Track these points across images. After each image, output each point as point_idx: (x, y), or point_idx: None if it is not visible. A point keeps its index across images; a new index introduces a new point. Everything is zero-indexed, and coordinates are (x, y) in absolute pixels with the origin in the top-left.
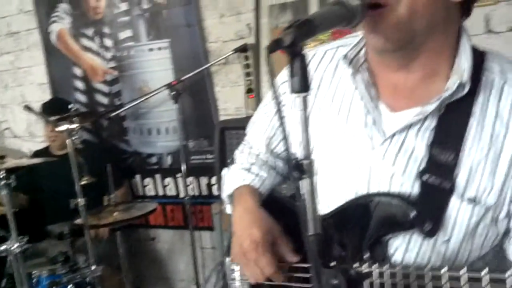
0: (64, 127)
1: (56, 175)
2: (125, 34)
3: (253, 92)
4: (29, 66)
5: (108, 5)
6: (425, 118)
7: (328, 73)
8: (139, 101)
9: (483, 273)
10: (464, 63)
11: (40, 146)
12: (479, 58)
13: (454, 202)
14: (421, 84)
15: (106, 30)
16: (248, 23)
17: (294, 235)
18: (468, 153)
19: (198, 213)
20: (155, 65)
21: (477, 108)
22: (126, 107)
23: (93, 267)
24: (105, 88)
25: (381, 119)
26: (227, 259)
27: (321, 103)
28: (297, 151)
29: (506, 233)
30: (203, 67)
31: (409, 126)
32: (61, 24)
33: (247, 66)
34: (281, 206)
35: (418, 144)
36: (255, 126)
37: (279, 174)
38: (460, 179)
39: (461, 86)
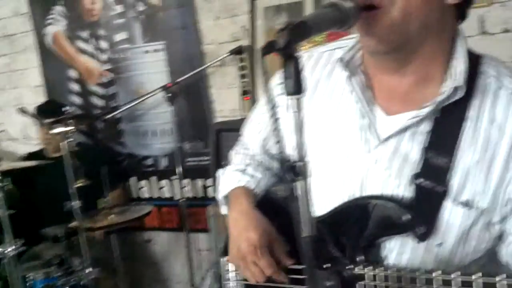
0: (59, 129)
1: (51, 178)
2: (120, 36)
3: (249, 94)
4: (24, 68)
5: (104, 7)
6: (420, 122)
7: (325, 75)
8: (134, 103)
9: (474, 276)
10: (459, 66)
11: (36, 148)
12: (474, 62)
13: (448, 206)
14: (416, 87)
15: (102, 32)
16: (244, 25)
17: (289, 236)
18: (462, 157)
19: (193, 215)
20: (151, 67)
21: (472, 112)
22: (122, 109)
23: (88, 270)
24: (100, 90)
25: (376, 122)
26: (222, 260)
27: (317, 105)
28: (292, 153)
29: (499, 236)
30: (199, 69)
31: (404, 130)
32: (57, 26)
33: (243, 68)
34: (276, 207)
35: (413, 148)
36: (250, 126)
37: (275, 175)
38: (454, 182)
39: (456, 90)
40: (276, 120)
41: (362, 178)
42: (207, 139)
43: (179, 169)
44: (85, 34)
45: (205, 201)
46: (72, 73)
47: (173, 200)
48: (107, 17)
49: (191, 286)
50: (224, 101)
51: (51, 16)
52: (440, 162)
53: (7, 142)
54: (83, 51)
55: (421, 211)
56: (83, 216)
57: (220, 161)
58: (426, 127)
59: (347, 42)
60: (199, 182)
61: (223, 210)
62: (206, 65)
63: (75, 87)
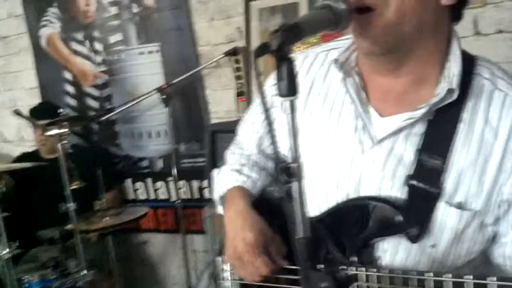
0: (53, 131)
1: (46, 180)
2: (115, 38)
3: (244, 95)
4: (19, 70)
5: (98, 9)
6: (414, 123)
7: (320, 76)
8: (129, 105)
9: (465, 278)
10: (454, 68)
11: (30, 150)
12: (469, 64)
13: (441, 207)
14: (411, 89)
15: (96, 34)
16: (238, 26)
17: (285, 236)
18: (457, 159)
19: (189, 216)
20: (146, 69)
21: (466, 114)
22: (117, 111)
23: (84, 272)
24: (95, 92)
25: (371, 124)
26: (218, 259)
27: (312, 106)
28: (287, 153)
29: (492, 238)
30: (194, 71)
31: (398, 131)
32: (51, 28)
33: (238, 69)
34: (272, 207)
35: (407, 149)
36: (245, 126)
37: (270, 174)
38: (448, 184)
39: (450, 92)
40: (269, 122)
41: (356, 179)
42: (203, 141)
43: (174, 171)
44: (79, 35)
45: (201, 202)
46: (67, 75)
47: (169, 202)
48: (101, 19)
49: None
50: (219, 103)
51: (45, 18)
52: (434, 163)
53: (2, 144)
54: (77, 53)
55: (414, 212)
56: (78, 218)
57: (216, 162)
58: (420, 128)
59: (343, 43)
60: (195, 184)
61: (219, 210)
62: (201, 67)
63: (70, 89)
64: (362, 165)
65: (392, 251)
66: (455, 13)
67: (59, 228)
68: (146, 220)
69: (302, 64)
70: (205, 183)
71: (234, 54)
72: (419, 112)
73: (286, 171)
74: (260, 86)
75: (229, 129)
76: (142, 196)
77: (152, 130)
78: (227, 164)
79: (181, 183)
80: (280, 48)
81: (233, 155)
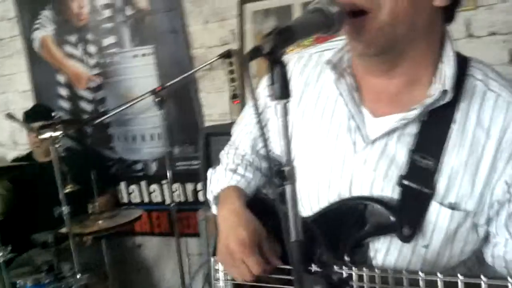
0: (47, 134)
1: (40, 183)
2: (109, 40)
3: (238, 98)
4: (12, 73)
5: (92, 11)
6: (407, 124)
7: (313, 77)
8: (123, 107)
9: (458, 277)
10: (447, 70)
11: (23, 153)
12: (462, 65)
13: (434, 208)
14: (404, 90)
15: (90, 36)
16: (232, 29)
17: (279, 237)
18: (449, 159)
19: (184, 219)
20: (140, 72)
21: (459, 115)
22: (111, 114)
23: (78, 276)
24: (89, 95)
25: (364, 124)
26: (212, 259)
27: (306, 107)
28: (281, 155)
29: (485, 238)
30: (188, 73)
31: (391, 132)
32: (44, 31)
33: (232, 72)
34: (267, 208)
35: (400, 150)
36: (240, 127)
37: (265, 175)
38: (440, 184)
39: (444, 93)
40: (261, 127)
41: (349, 179)
42: (197, 143)
43: (169, 174)
44: (73, 38)
45: (195, 205)
46: (61, 78)
47: (163, 205)
48: (95, 22)
49: None
50: (213, 105)
51: (39, 21)
52: (427, 164)
53: None
54: (71, 56)
55: (407, 212)
56: (72, 221)
57: (210, 165)
58: (413, 129)
59: (337, 44)
60: (189, 186)
61: (213, 209)
62: (195, 69)
63: (64, 91)
64: (355, 165)
65: (385, 251)
66: (448, 14)
67: (52, 232)
68: (140, 223)
69: (296, 65)
70: (199, 186)
71: (228, 56)
72: (412, 113)
73: (279, 175)
74: (253, 90)
75: (223, 132)
76: (136, 199)
77: (146, 133)
78: (222, 164)
79: (176, 186)
80: (272, 51)
81: (228, 155)
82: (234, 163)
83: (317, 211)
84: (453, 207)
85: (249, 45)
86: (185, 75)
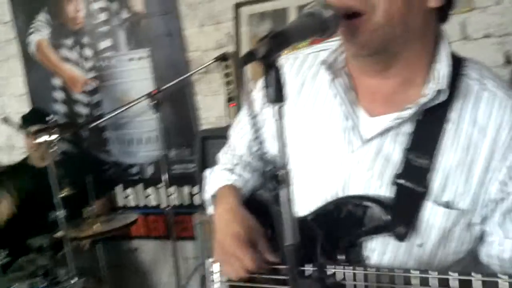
0: (43, 138)
1: (35, 187)
2: (104, 44)
3: (234, 101)
4: (8, 77)
5: (87, 15)
6: (403, 123)
7: (309, 77)
8: (119, 111)
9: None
10: (442, 69)
11: (20, 158)
12: (457, 65)
13: (428, 207)
14: (399, 89)
15: (86, 40)
16: (228, 32)
17: (274, 236)
18: (444, 158)
19: (180, 223)
20: (135, 75)
21: (454, 114)
22: (107, 117)
23: (74, 280)
24: (85, 98)
25: (359, 124)
26: (207, 261)
27: (302, 107)
28: (277, 155)
29: (480, 237)
30: (184, 76)
31: (386, 131)
32: (40, 34)
33: (228, 75)
34: (263, 207)
35: (395, 149)
36: (237, 128)
37: (262, 175)
38: (435, 183)
39: (439, 92)
40: (256, 129)
41: (345, 179)
42: (193, 147)
43: (165, 177)
44: (69, 42)
45: (191, 208)
46: (56, 81)
47: (160, 208)
48: (91, 25)
49: None
50: (209, 108)
51: (34, 25)
52: (421, 163)
53: None
54: (67, 59)
55: (401, 211)
56: (68, 225)
57: (206, 168)
58: (408, 128)
59: (332, 44)
60: (186, 190)
61: (210, 210)
62: (191, 72)
63: (59, 95)
64: (351, 165)
65: (380, 250)
66: (442, 14)
67: (48, 236)
68: (136, 227)
69: (292, 65)
70: (195, 189)
71: (224, 59)
72: (407, 112)
73: (274, 178)
74: (248, 95)
75: (219, 135)
76: (132, 202)
77: (142, 136)
78: (219, 164)
79: (172, 189)
80: (267, 55)
81: (226, 155)
82: (232, 163)
83: (312, 210)
84: (447, 205)
85: (245, 48)
86: (181, 78)
